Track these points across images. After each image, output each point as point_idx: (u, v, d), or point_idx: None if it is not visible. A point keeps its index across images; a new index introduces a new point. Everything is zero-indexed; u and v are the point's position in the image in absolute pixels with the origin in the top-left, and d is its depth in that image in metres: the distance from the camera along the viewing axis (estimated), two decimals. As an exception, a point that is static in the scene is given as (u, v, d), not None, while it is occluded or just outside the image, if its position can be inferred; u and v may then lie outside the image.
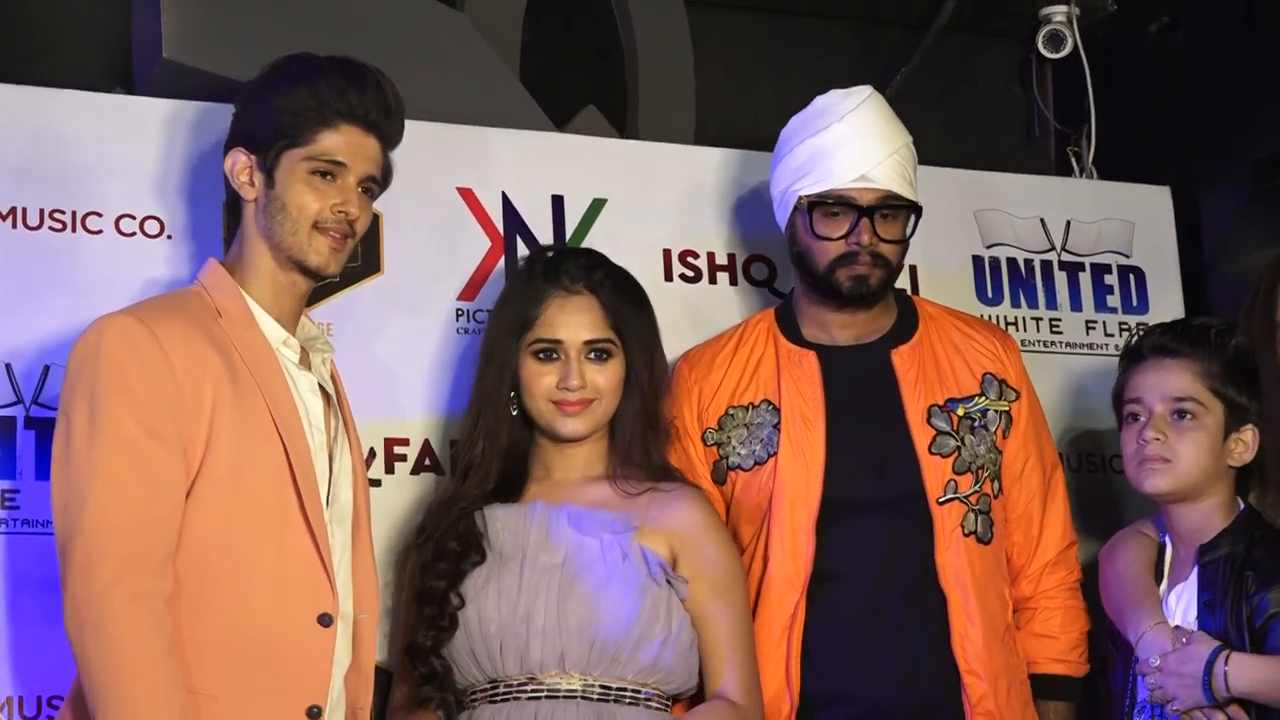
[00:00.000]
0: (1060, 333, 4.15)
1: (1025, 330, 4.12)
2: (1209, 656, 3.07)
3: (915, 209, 3.43)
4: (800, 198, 3.40)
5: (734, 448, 3.42)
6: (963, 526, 3.35)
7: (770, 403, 3.41)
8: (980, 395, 3.45)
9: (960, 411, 3.41)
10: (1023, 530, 3.47)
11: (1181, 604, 3.21)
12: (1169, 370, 3.26)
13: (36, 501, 3.27)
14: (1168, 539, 3.30)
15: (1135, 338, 3.38)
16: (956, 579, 3.33)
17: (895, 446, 3.37)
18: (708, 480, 3.42)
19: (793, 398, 3.40)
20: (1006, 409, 3.46)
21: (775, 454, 3.37)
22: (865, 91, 3.44)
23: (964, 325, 3.54)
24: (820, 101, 3.46)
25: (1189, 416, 3.23)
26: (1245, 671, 3.06)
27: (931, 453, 3.37)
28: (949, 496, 3.36)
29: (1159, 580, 3.27)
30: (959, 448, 3.38)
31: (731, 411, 3.43)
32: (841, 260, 3.37)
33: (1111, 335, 4.17)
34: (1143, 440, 3.24)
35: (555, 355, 3.25)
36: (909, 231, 3.44)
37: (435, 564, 3.21)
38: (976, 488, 3.38)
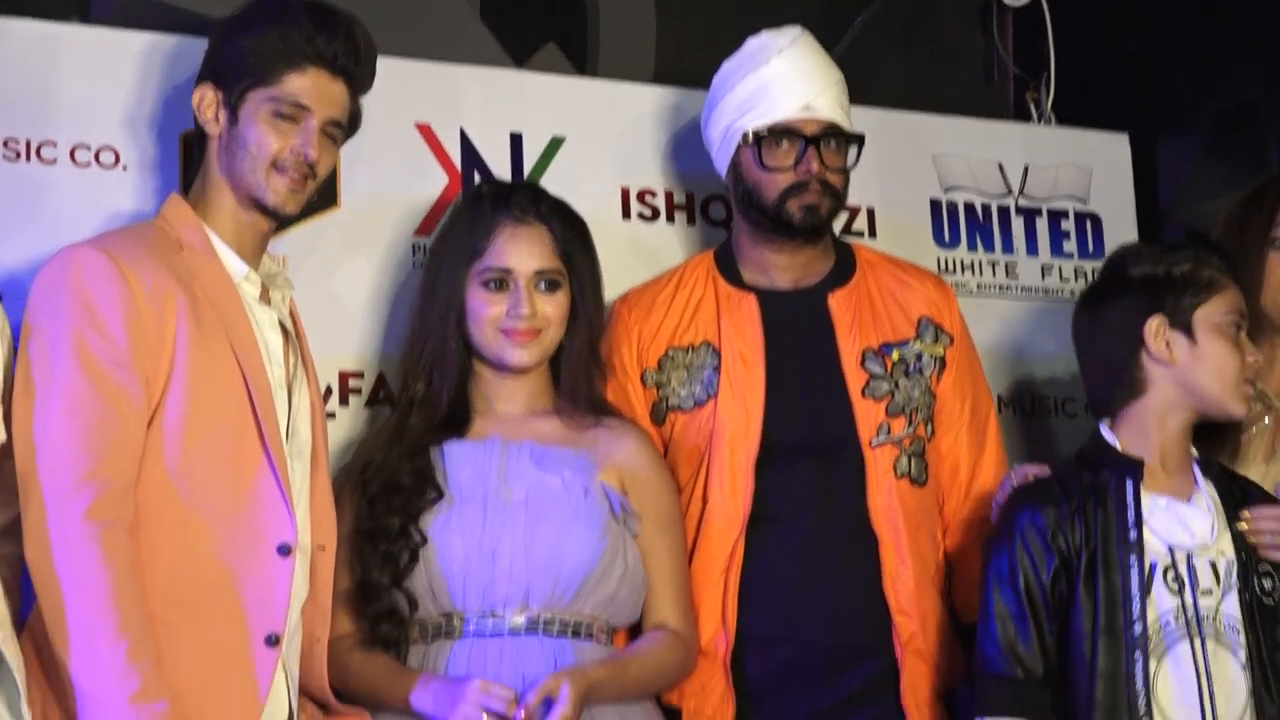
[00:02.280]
0: (1016, 277, 4.17)
1: (981, 274, 4.14)
2: None
3: (857, 140, 3.46)
4: (746, 133, 3.42)
5: (673, 389, 3.44)
6: (895, 469, 3.38)
7: (710, 344, 3.44)
8: (915, 339, 3.48)
9: (895, 355, 3.44)
10: (952, 475, 3.50)
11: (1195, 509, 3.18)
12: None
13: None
14: None
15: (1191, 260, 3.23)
16: (889, 520, 3.36)
17: (830, 390, 3.41)
18: (646, 421, 3.45)
19: (732, 340, 3.42)
20: (941, 354, 3.49)
21: (715, 395, 3.40)
22: (796, 30, 3.49)
23: (901, 271, 3.57)
24: (753, 41, 3.50)
25: None
26: None
27: (864, 396, 3.40)
28: (881, 439, 3.39)
29: None
30: (892, 391, 3.41)
31: (671, 353, 3.46)
32: (792, 191, 3.40)
33: (1067, 280, 4.19)
34: (1251, 359, 3.17)
35: (505, 285, 3.26)
36: (852, 162, 3.47)
37: (388, 499, 3.21)
38: (910, 430, 3.41)
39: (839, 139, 3.44)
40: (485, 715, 2.97)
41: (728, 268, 3.51)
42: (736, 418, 3.38)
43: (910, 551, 3.36)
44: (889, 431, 3.39)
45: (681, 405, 3.43)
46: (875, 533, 3.35)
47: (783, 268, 3.48)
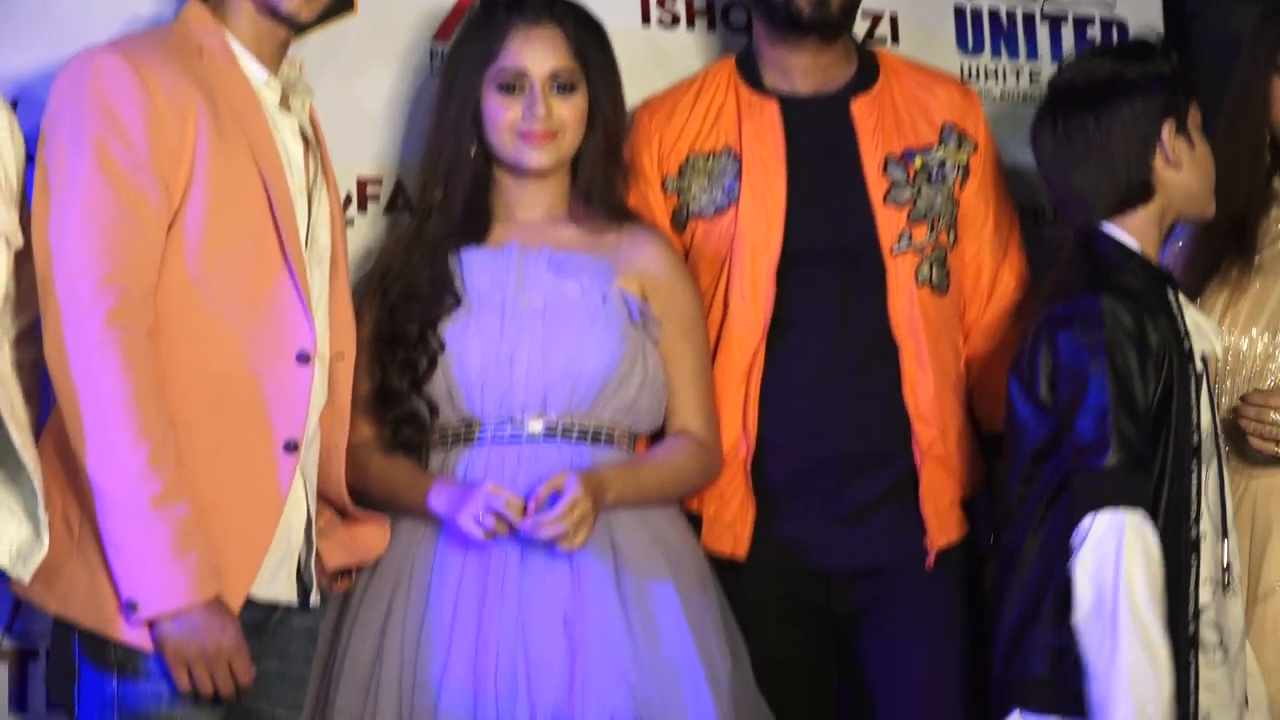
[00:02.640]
0: (1039, 85, 4.11)
1: (1005, 82, 4.10)
2: None
3: None
4: None
5: (694, 195, 3.43)
6: (916, 276, 3.38)
7: (731, 151, 3.42)
8: (939, 146, 3.46)
9: (917, 162, 3.43)
10: (974, 281, 3.50)
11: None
12: None
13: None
14: None
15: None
16: (909, 328, 3.36)
17: (851, 197, 3.39)
18: (667, 227, 3.44)
19: (754, 146, 3.40)
20: (965, 161, 3.47)
21: (736, 202, 3.39)
22: None
23: (924, 77, 3.54)
24: None
25: None
26: None
27: (886, 203, 3.39)
28: (903, 247, 3.38)
29: None
30: (915, 198, 3.40)
31: (692, 159, 3.44)
32: None
33: (1092, 88, 4.14)
34: None
35: (520, 88, 3.24)
36: None
37: (407, 305, 3.23)
38: (932, 238, 3.40)
39: None
40: (487, 516, 3.01)
41: (749, 73, 3.47)
42: (757, 224, 3.36)
43: (930, 359, 3.37)
44: (910, 239, 3.38)
45: (702, 212, 3.42)
46: (895, 340, 3.36)
47: (803, 71, 3.44)
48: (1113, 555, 2.89)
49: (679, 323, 3.30)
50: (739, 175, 3.39)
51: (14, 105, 3.12)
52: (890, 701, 3.38)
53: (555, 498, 3.04)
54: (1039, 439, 3.04)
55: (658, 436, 3.33)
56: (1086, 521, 2.92)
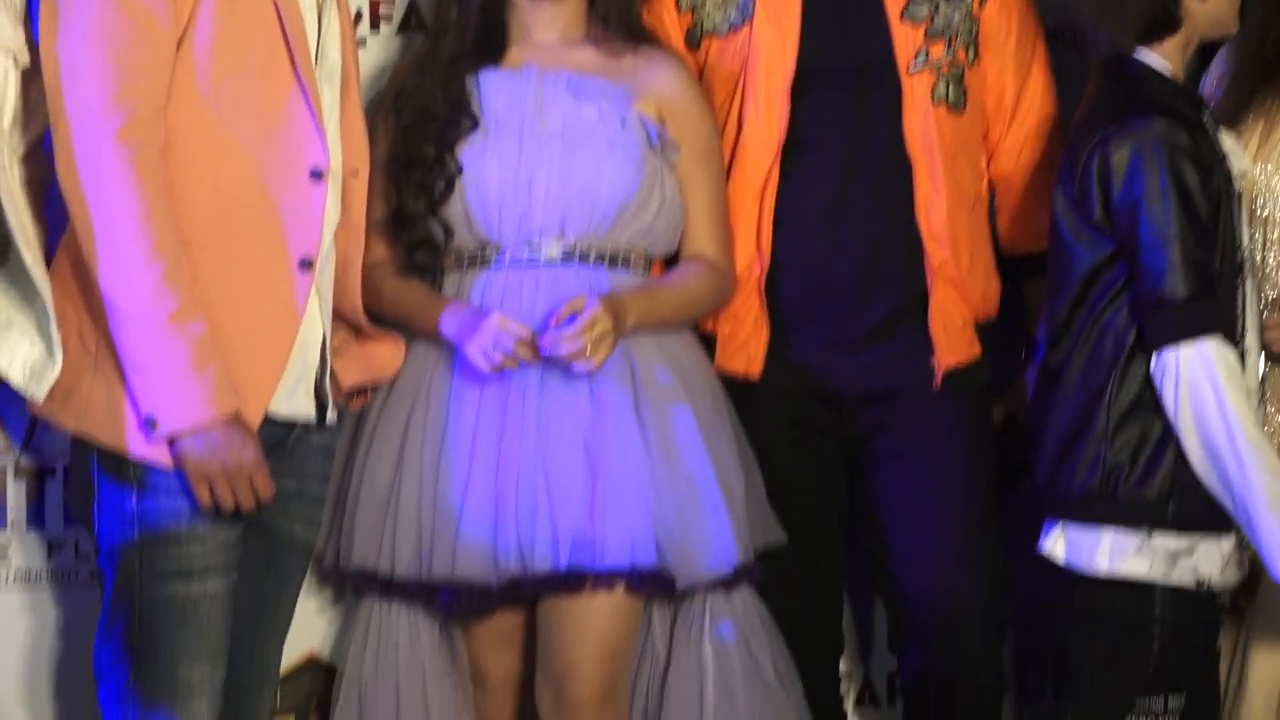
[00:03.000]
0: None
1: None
2: None
3: None
4: None
5: (708, 13, 3.38)
6: (932, 94, 3.35)
7: None
8: None
9: (936, -22, 3.39)
10: (997, 101, 3.46)
11: None
12: None
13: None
14: None
15: None
16: (924, 146, 3.34)
17: (868, 14, 3.35)
18: (681, 47, 3.41)
19: (769, -38, 3.37)
20: None
21: (751, 19, 3.35)
22: None
23: None
24: None
25: None
26: None
27: (903, 20, 3.35)
28: (920, 65, 3.35)
29: None
30: (932, 15, 3.35)
31: None
32: None
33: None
34: None
35: None
36: None
37: (422, 127, 3.23)
38: (949, 55, 3.36)
39: None
40: (495, 352, 3.04)
41: None
42: (772, 42, 3.33)
43: (945, 178, 3.34)
44: (927, 57, 3.36)
45: (717, 30, 3.38)
46: (910, 159, 3.34)
47: (820, -116, 3.40)
48: (1211, 392, 2.92)
49: (695, 147, 3.29)
50: (754, -9, 3.35)
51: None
52: (899, 521, 3.40)
53: (573, 318, 3.05)
54: (1090, 262, 3.04)
55: (671, 260, 3.34)
56: (1170, 357, 2.94)
